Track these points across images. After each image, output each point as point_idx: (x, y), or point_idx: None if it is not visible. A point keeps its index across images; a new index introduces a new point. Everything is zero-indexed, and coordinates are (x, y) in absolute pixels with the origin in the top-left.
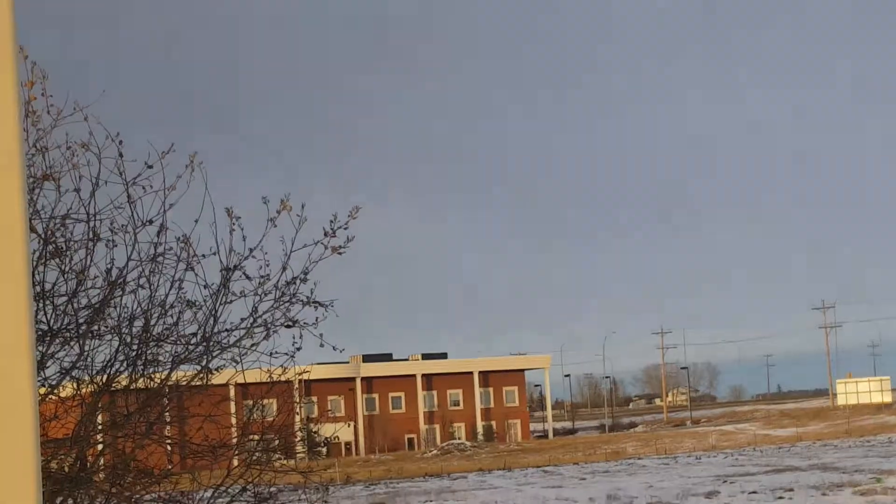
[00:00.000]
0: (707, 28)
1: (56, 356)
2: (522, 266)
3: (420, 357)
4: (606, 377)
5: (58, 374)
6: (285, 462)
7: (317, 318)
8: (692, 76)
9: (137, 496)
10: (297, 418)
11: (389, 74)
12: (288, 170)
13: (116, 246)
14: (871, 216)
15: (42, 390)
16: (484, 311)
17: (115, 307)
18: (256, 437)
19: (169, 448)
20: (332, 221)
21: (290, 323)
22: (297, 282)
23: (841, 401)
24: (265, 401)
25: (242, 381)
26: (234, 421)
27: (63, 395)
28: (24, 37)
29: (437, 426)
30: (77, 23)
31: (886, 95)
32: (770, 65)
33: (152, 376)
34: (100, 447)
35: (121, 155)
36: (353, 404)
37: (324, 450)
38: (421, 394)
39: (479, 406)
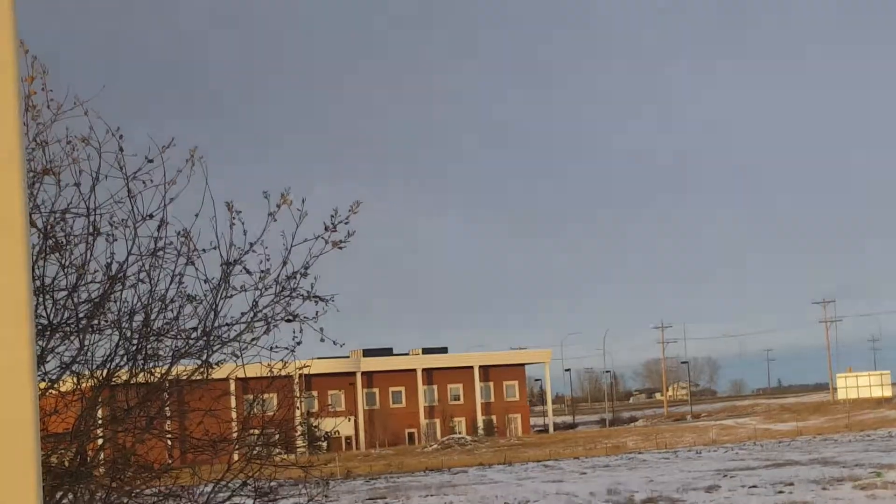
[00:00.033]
0: (706, 23)
1: (56, 350)
2: (523, 261)
3: (420, 351)
4: (607, 371)
5: (58, 369)
6: (286, 457)
7: (317, 313)
8: (690, 71)
9: (138, 491)
10: (298, 413)
11: (390, 69)
12: (288, 164)
13: (116, 240)
14: (871, 211)
15: (42, 385)
16: (484, 306)
17: (115, 302)
18: (257, 431)
19: (169, 442)
20: (332, 216)
21: (291, 317)
22: (298, 276)
23: (841, 395)
24: (265, 395)
25: (243, 376)
26: (234, 415)
27: (63, 389)
28: (24, 31)
29: (437, 421)
30: (77, 17)
31: (885, 89)
32: (768, 59)
33: (152, 371)
34: (100, 442)
35: (121, 149)
36: (354, 399)
37: (324, 444)
38: (421, 388)
39: (479, 400)
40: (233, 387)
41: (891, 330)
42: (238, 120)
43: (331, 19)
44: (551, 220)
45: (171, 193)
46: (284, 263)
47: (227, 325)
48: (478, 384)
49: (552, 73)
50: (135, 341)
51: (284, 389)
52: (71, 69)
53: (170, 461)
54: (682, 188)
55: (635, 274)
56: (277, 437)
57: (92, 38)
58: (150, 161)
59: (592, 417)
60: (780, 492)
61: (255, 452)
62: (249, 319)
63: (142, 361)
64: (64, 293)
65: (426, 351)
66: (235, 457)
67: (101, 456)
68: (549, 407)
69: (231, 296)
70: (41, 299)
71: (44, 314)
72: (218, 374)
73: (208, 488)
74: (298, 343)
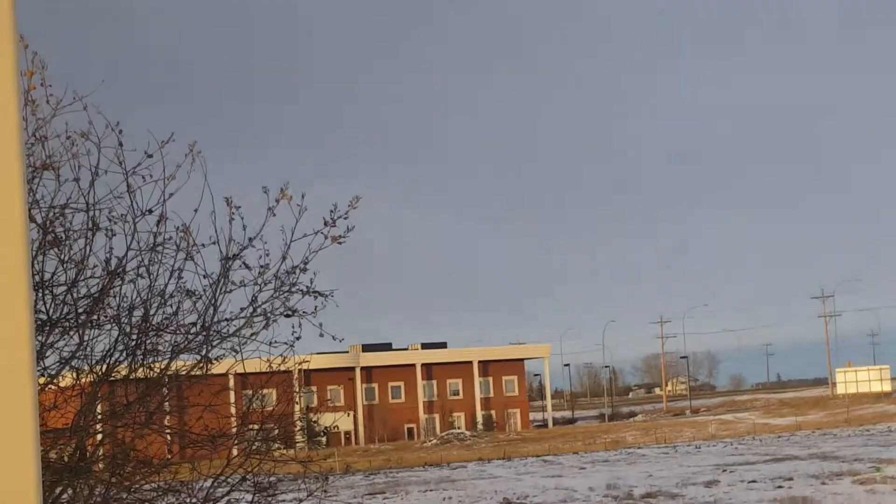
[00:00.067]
0: (707, 19)
1: (55, 346)
2: (522, 255)
3: (419, 346)
4: (606, 366)
5: (57, 364)
6: (285, 451)
7: (316, 308)
8: (688, 67)
9: (137, 486)
10: (297, 408)
11: (390, 64)
12: (288, 159)
13: (116, 235)
14: (871, 206)
15: (41, 380)
16: (483, 301)
17: (114, 297)
18: (256, 426)
19: (168, 438)
20: (332, 211)
21: (290, 312)
22: (297, 271)
23: (840, 390)
24: (265, 390)
25: (242, 371)
26: (233, 410)
27: (62, 384)
28: (23, 26)
29: (436, 416)
30: (77, 12)
31: (884, 83)
32: (766, 54)
33: (152, 366)
34: (99, 437)
35: (120, 144)
36: (353, 394)
37: (323, 439)
38: (420, 383)
39: (478, 395)
40: (232, 382)
41: (890, 324)
42: (238, 115)
43: (331, 16)
44: (551, 216)
45: (171, 189)
46: (284, 258)
47: (226, 320)
48: (477, 379)
49: (552, 71)
50: (134, 336)
51: (283, 384)
52: (70, 64)
53: (169, 456)
54: (682, 183)
55: (634, 269)
56: (277, 432)
57: (91, 34)
58: (150, 156)
59: (591, 412)
60: (780, 486)
61: (254, 447)
62: (249, 314)
63: (141, 356)
64: (63, 288)
65: (425, 346)
66: (235, 452)
67: (101, 451)
68: (549, 402)
69: (230, 291)
70: (40, 294)
71: (43, 309)
72: (217, 369)
73: (207, 483)
74: (297, 338)
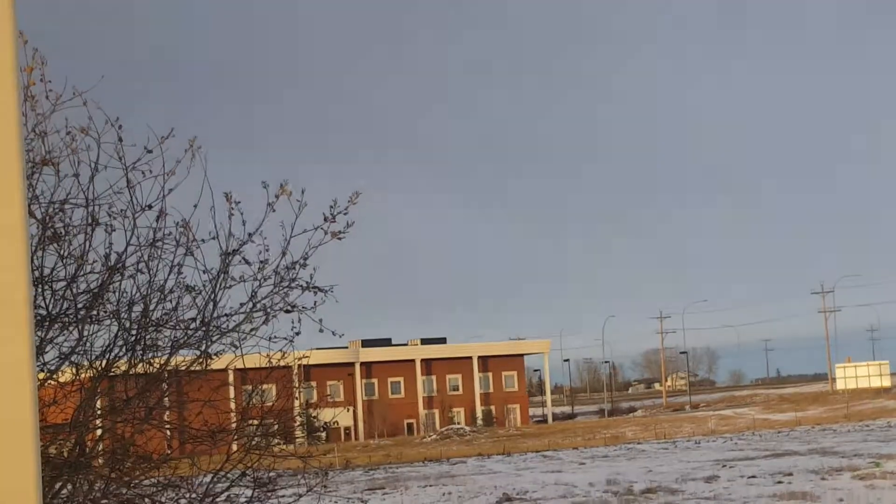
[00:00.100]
0: (707, 18)
1: (55, 341)
2: (522, 251)
3: (419, 342)
4: (606, 362)
5: (57, 360)
6: (284, 447)
7: (315, 303)
8: (689, 65)
9: (136, 481)
10: (297, 403)
11: (390, 59)
12: (288, 155)
13: (115, 231)
14: (870, 202)
15: (41, 375)
16: (483, 296)
17: (114, 292)
18: (256, 422)
19: (168, 433)
20: (331, 207)
21: (290, 308)
22: (297, 267)
23: (840, 385)
24: (264, 386)
25: (241, 366)
26: (233, 406)
27: (62, 380)
28: (23, 22)
29: (436, 411)
30: (76, 8)
31: (883, 81)
32: (767, 53)
33: (151, 361)
34: (99, 432)
35: (120, 140)
36: (353, 389)
37: (323, 435)
38: (420, 379)
39: (478, 391)
40: (231, 377)
41: (890, 320)
42: (238, 111)
43: (332, 13)
44: (551, 212)
45: (171, 184)
46: (283, 254)
47: (226, 315)
48: (477, 375)
49: (552, 69)
50: (134, 332)
51: (283, 380)
52: (69, 60)
53: (169, 452)
54: (681, 179)
55: (635, 264)
56: (276, 427)
57: (91, 30)
58: (150, 151)
59: (591, 408)
60: (779, 482)
61: (253, 443)
62: (248, 310)
63: (141, 352)
64: (63, 284)
65: (425, 341)
66: (234, 447)
67: (100, 447)
68: (548, 397)
69: (230, 286)
70: (40, 290)
71: (42, 305)
72: (217, 364)
73: (207, 479)
74: (297, 333)
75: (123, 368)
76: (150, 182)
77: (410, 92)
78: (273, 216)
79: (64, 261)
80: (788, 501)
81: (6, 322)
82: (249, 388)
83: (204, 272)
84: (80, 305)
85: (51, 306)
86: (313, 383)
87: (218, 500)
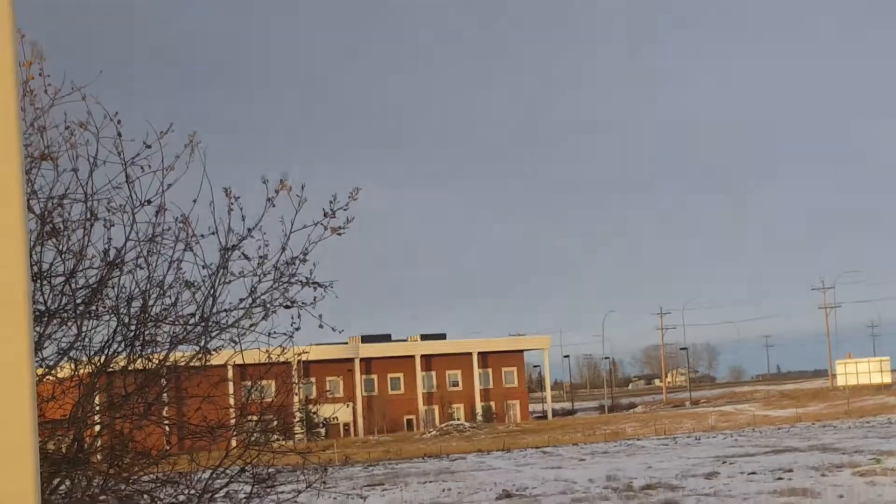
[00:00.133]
0: (707, 12)
1: (54, 336)
2: (522, 247)
3: (419, 338)
4: (606, 358)
5: (55, 355)
6: (284, 443)
7: (315, 299)
8: (690, 60)
9: (135, 477)
10: (296, 399)
11: (390, 57)
12: (288, 150)
13: (114, 226)
14: (870, 197)
15: (39, 371)
16: (483, 292)
17: (113, 287)
18: (255, 417)
19: (167, 429)
20: (331, 202)
21: (289, 303)
22: (297, 262)
23: (840, 381)
24: (263, 381)
25: (241, 362)
26: (232, 402)
27: (61, 375)
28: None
29: (435, 407)
30: (75, 3)
31: (882, 74)
32: (766, 46)
33: (150, 357)
34: (97, 428)
35: (119, 135)
36: (352, 385)
37: (322, 431)
38: (420, 375)
39: (477, 387)
40: (231, 373)
41: (890, 316)
42: (237, 105)
43: (332, 9)
44: (550, 207)
45: (170, 179)
46: (283, 249)
47: (225, 311)
48: (476, 370)
49: (551, 66)
50: (133, 327)
51: (283, 376)
52: (68, 55)
53: (168, 447)
54: (681, 174)
55: (634, 260)
56: (275, 423)
57: (90, 25)
58: (149, 147)
59: (591, 404)
60: (780, 478)
61: (253, 439)
62: (248, 305)
63: (140, 347)
64: (61, 279)
65: (425, 337)
66: (233, 443)
67: (99, 442)
68: (548, 393)
69: (229, 282)
70: (39, 285)
71: (41, 300)
72: (216, 360)
73: (206, 475)
74: (297, 329)
75: (122, 364)
76: (149, 177)
77: (411, 89)
78: (273, 211)
79: (63, 256)
80: (789, 498)
81: (4, 317)
82: (249, 383)
83: (203, 267)
84: (78, 301)
85: (49, 301)
86: (312, 379)
87: (217, 496)
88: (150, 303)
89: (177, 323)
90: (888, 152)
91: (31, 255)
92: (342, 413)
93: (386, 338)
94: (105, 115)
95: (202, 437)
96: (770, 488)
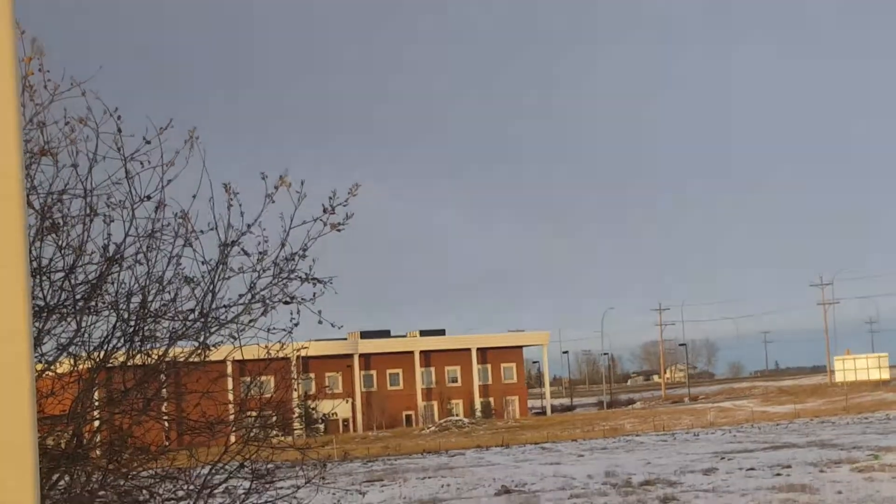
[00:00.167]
0: (710, 9)
1: (53, 332)
2: (521, 243)
3: (418, 334)
4: (605, 354)
5: (55, 351)
6: (283, 438)
7: (314, 295)
8: (690, 54)
9: (134, 472)
10: (295, 395)
11: (389, 49)
12: (287, 146)
13: (114, 221)
14: (869, 194)
15: (39, 366)
16: (482, 288)
17: (112, 283)
18: (254, 413)
19: (166, 424)
20: (331, 198)
21: (289, 299)
22: (296, 258)
23: (839, 377)
24: (263, 377)
25: (240, 358)
26: (231, 397)
27: (60, 371)
28: (21, 12)
29: (434, 403)
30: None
31: (882, 71)
32: (770, 40)
33: (150, 352)
34: (97, 424)
35: (119, 130)
36: (351, 381)
37: (321, 426)
38: (419, 370)
39: (477, 383)
40: (230, 369)
41: (889, 312)
42: (237, 101)
43: (332, 6)
44: (549, 203)
45: (169, 175)
46: (283, 245)
47: (224, 306)
48: (475, 366)
49: (551, 62)
50: (132, 323)
51: (282, 371)
52: (68, 50)
53: (167, 443)
54: (681, 170)
55: (634, 256)
56: (275, 419)
57: (90, 20)
58: (148, 142)
59: (590, 400)
60: (778, 474)
61: (252, 434)
62: (247, 301)
63: (139, 343)
64: (61, 274)
65: (424, 333)
66: (232, 439)
67: (98, 438)
68: (547, 389)
69: (229, 277)
70: (38, 280)
71: (40, 296)
72: (215, 355)
73: (205, 470)
74: (296, 325)
75: (121, 359)
76: (149, 173)
77: (410, 86)
78: (272, 207)
79: (62, 251)
80: (787, 494)
81: (4, 313)
82: (248, 379)
83: (203, 263)
84: (78, 296)
85: (49, 297)
86: (312, 375)
87: (216, 491)
88: (150, 298)
89: (176, 318)
90: (888, 147)
91: (30, 251)
92: (341, 409)
93: (385, 333)
94: (105, 110)
95: (201, 433)
96: (768, 484)
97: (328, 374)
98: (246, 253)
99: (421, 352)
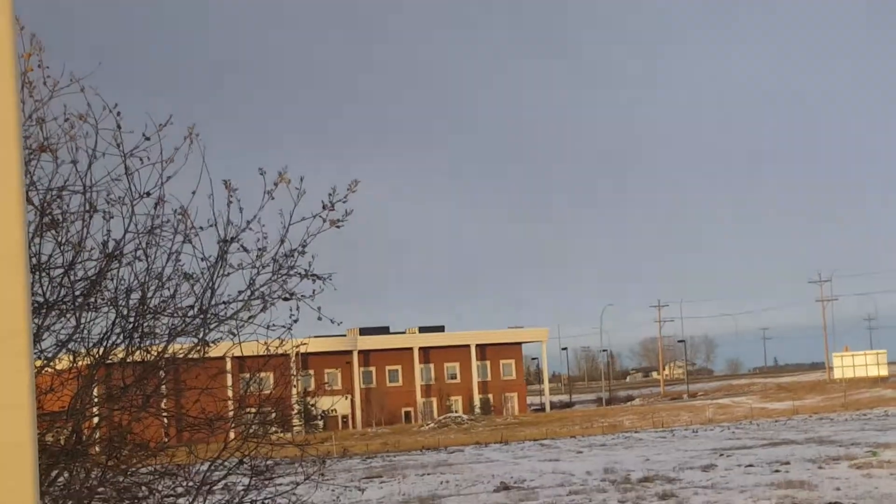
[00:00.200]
0: (704, 7)
1: (52, 328)
2: (520, 239)
3: (417, 330)
4: (603, 350)
5: (54, 347)
6: (282, 435)
7: (314, 291)
8: (691, 49)
9: (133, 469)
10: (294, 391)
11: (388, 45)
12: (287, 143)
13: (113, 218)
14: (868, 191)
15: (38, 363)
16: (481, 284)
17: (111, 279)
18: (253, 410)
19: (165, 421)
20: (330, 195)
21: (288, 296)
22: (296, 254)
23: (837, 374)
24: (262, 374)
25: (239, 354)
26: (230, 394)
27: (59, 367)
28: (21, 8)
29: (433, 399)
30: None
31: (883, 67)
32: (768, 35)
33: (149, 349)
34: (96, 420)
35: (118, 127)
36: (350, 377)
37: (320, 423)
38: (418, 367)
39: (476, 379)
40: (229, 365)
41: (887, 309)
42: (237, 98)
43: (332, 3)
44: (548, 200)
45: (169, 171)
46: (282, 241)
47: (223, 303)
48: (474, 363)
49: (550, 59)
50: (131, 319)
51: (281, 368)
52: (68, 47)
53: (166, 440)
54: (679, 170)
55: (633, 253)
56: (274, 415)
57: (89, 15)
58: (148, 139)
59: (589, 396)
60: (777, 471)
61: (251, 431)
62: (246, 297)
63: (138, 339)
64: (60, 271)
65: (423, 329)
66: (232, 435)
67: (97, 434)
68: (546, 386)
69: (228, 274)
70: (37, 277)
71: (40, 292)
72: (214, 352)
73: (204, 467)
74: (295, 321)
75: (121, 356)
76: (149, 169)
77: (410, 83)
78: (272, 204)
79: (61, 248)
80: (786, 490)
81: (3, 309)
82: (247, 375)
83: (202, 259)
84: (77, 293)
85: (48, 293)
86: (311, 371)
87: (215, 488)
88: (149, 295)
89: (175, 315)
90: (887, 144)
91: (29, 247)
92: (340, 405)
93: (384, 330)
94: (104, 107)
95: (200, 429)
96: (767, 481)
97: (327, 370)
98: (245, 249)
99: (420, 348)
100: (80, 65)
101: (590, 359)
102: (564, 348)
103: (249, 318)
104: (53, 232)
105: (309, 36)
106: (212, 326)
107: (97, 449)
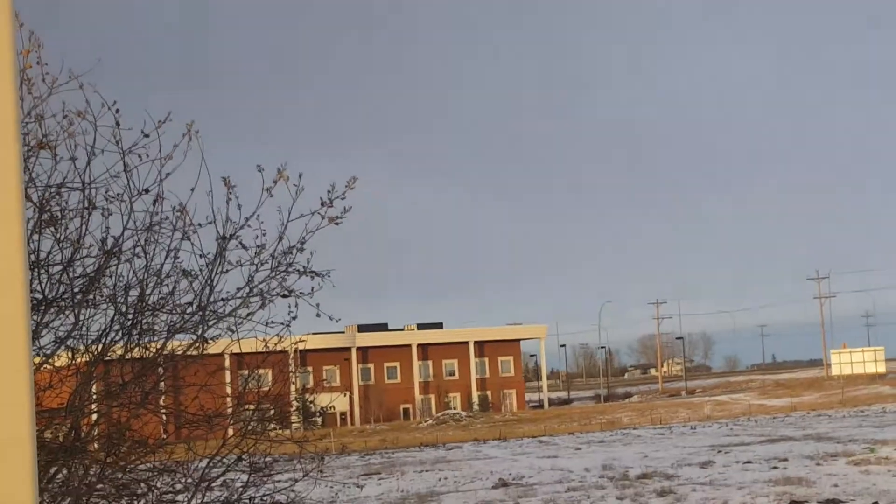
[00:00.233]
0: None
1: (51, 325)
2: (519, 236)
3: (415, 327)
4: (602, 347)
5: (52, 344)
6: (280, 432)
7: (312, 288)
8: (689, 49)
9: (132, 466)
10: (293, 388)
11: (387, 43)
12: (286, 140)
13: (112, 215)
14: (867, 189)
15: (37, 360)
16: (480, 281)
17: (110, 276)
18: (252, 406)
19: (164, 418)
20: (329, 192)
21: (287, 293)
22: (294, 251)
23: (835, 371)
24: (261, 370)
25: (238, 351)
26: (229, 391)
27: (58, 364)
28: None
29: (432, 396)
30: None
31: (882, 67)
32: (768, 35)
33: (148, 346)
34: (94, 417)
35: (117, 123)
36: (349, 374)
37: (319, 420)
38: (416, 364)
39: (474, 376)
40: (228, 362)
41: (885, 306)
42: (236, 95)
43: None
44: (548, 197)
45: (168, 168)
46: (280, 238)
47: (222, 300)
48: (473, 360)
49: (550, 58)
50: (130, 316)
51: (279, 364)
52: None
53: (164, 436)
54: (677, 164)
55: (631, 250)
56: (272, 412)
57: (88, 11)
58: (147, 136)
59: (587, 393)
60: (775, 467)
61: (250, 428)
62: (245, 294)
63: (137, 336)
64: (59, 268)
65: (421, 326)
66: (230, 432)
67: (96, 431)
68: (545, 382)
69: (227, 270)
70: (36, 274)
71: (38, 289)
72: (213, 349)
73: (203, 463)
74: (294, 318)
75: (119, 353)
76: (147, 166)
77: (410, 81)
78: (270, 201)
79: (60, 245)
80: (784, 487)
81: (2, 305)
82: (246, 372)
83: (201, 256)
84: (76, 289)
85: (47, 290)
86: (309, 368)
87: (214, 484)
88: (148, 292)
89: (174, 312)
90: (886, 141)
91: (28, 244)
92: (339, 402)
93: (383, 327)
94: (103, 103)
95: (199, 426)
96: (765, 477)
97: (326, 367)
98: (244, 246)
99: (418, 345)
100: (79, 62)
101: (588, 356)
102: (563, 345)
103: (248, 314)
104: (52, 229)
105: (309, 34)
106: (210, 323)
107: (96, 445)
